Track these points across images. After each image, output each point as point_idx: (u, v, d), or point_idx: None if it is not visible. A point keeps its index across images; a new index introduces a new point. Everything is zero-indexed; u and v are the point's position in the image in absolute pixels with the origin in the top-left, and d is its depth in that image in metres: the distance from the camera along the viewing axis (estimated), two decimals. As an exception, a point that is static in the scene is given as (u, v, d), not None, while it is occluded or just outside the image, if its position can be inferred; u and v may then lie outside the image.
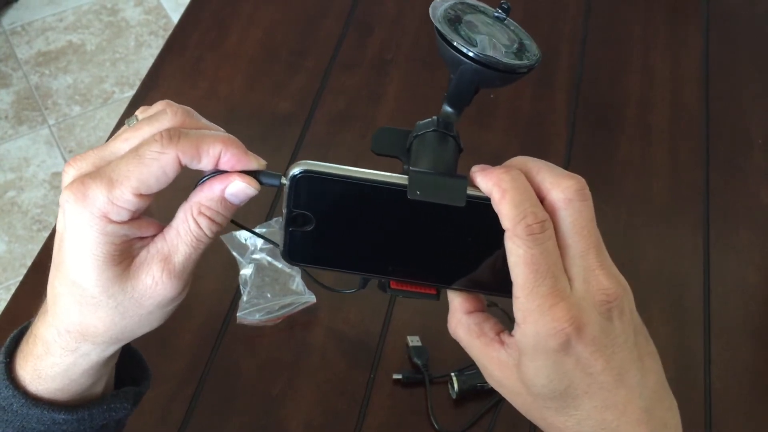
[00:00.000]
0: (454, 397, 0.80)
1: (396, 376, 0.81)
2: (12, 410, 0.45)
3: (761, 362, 0.87)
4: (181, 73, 1.07)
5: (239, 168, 0.40)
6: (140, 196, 0.39)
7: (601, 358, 0.39)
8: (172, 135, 0.39)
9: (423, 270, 0.43)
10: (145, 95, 1.03)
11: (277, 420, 0.79)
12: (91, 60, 2.17)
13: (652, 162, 1.03)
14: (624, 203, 0.99)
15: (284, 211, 0.41)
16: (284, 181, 0.40)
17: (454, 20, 0.43)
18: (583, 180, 0.40)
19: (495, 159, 1.11)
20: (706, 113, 1.09)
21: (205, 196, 0.41)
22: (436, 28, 0.42)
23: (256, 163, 0.41)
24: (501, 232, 0.39)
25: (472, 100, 0.44)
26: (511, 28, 0.44)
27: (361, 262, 0.43)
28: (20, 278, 0.87)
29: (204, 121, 0.43)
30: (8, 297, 0.85)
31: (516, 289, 0.39)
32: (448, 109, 0.45)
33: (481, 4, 0.45)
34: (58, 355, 0.44)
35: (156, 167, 0.38)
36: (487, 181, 0.40)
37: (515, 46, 0.43)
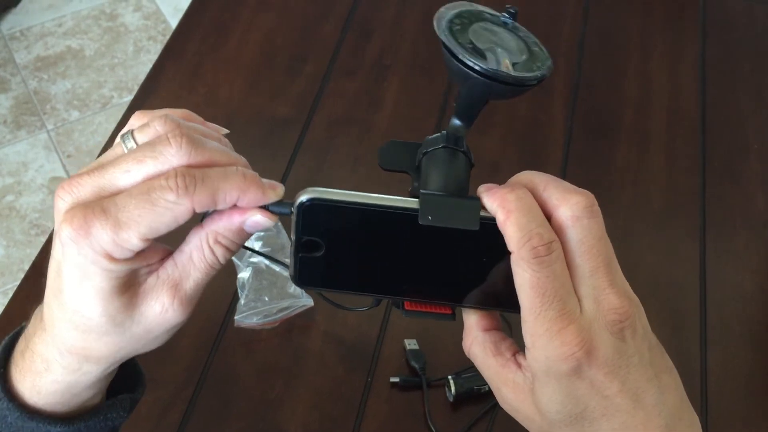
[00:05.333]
0: (451, 400, 0.80)
1: (393, 380, 0.81)
2: (6, 422, 0.45)
3: (758, 367, 0.87)
4: (180, 77, 1.08)
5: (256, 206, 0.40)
6: (146, 240, 0.37)
7: (616, 380, 0.38)
8: (188, 185, 0.37)
9: (437, 290, 0.42)
10: (143, 100, 1.03)
11: (275, 424, 0.79)
12: (90, 65, 2.17)
13: (649, 168, 1.04)
14: (621, 209, 0.99)
15: (293, 237, 0.40)
16: (292, 208, 0.40)
17: (460, 31, 0.41)
18: (592, 196, 0.39)
19: (492, 165, 1.12)
20: (703, 119, 1.09)
21: (224, 226, 0.40)
22: (442, 41, 0.40)
23: (274, 196, 0.39)
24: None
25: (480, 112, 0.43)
26: (520, 34, 0.42)
27: (373, 284, 0.42)
28: (18, 282, 0.88)
29: (203, 128, 0.41)
30: (6, 301, 0.85)
31: (524, 313, 0.38)
32: (456, 122, 0.43)
33: (486, 9, 0.43)
34: (60, 374, 0.43)
35: (169, 217, 0.37)
36: (492, 202, 0.38)
37: (524, 56, 0.41)
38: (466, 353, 0.43)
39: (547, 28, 1.19)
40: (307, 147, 1.01)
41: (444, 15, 0.41)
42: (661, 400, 0.39)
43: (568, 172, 1.02)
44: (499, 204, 0.38)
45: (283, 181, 0.96)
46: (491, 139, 1.04)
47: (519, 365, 0.41)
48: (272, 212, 0.40)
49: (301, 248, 0.40)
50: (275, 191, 0.40)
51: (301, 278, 0.42)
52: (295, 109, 1.05)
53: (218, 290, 0.87)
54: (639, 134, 1.07)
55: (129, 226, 0.36)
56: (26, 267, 1.74)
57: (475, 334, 0.43)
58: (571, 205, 0.38)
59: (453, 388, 0.80)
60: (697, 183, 1.02)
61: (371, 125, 1.04)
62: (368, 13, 1.18)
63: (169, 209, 0.37)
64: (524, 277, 0.37)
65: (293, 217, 0.40)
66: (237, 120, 1.02)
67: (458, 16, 0.42)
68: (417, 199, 0.39)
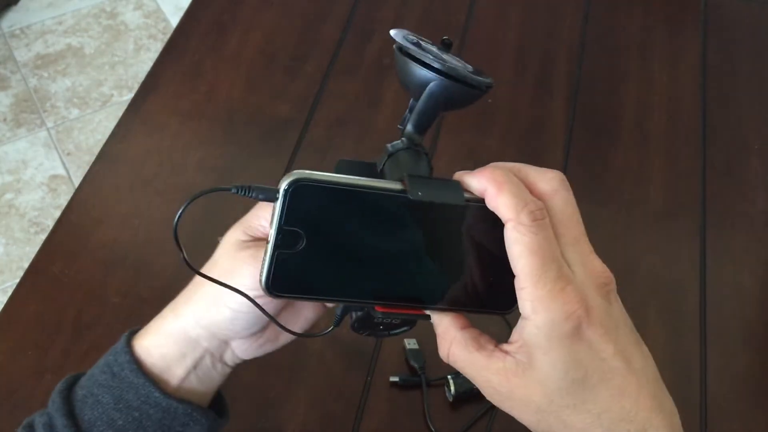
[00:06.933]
0: (450, 399, 0.80)
1: (393, 379, 0.81)
2: (120, 377, 0.51)
3: (757, 367, 0.87)
4: (180, 76, 1.08)
5: None
6: None
7: (611, 341, 0.39)
8: None
9: (414, 291, 0.42)
10: (144, 98, 1.03)
11: (274, 423, 0.79)
12: (90, 63, 2.17)
13: (650, 168, 1.04)
14: (621, 209, 0.99)
15: (273, 230, 0.38)
16: (277, 194, 0.38)
17: (416, 44, 0.43)
18: (562, 173, 0.42)
19: (493, 164, 1.10)
20: (704, 120, 1.09)
21: None
22: (403, 48, 0.43)
23: None
24: (496, 241, 0.39)
25: (436, 119, 0.45)
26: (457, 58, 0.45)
27: (351, 285, 0.41)
28: (17, 281, 0.88)
29: None
30: (5, 299, 0.85)
31: (522, 280, 0.38)
32: (411, 129, 0.45)
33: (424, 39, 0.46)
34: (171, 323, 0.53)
35: None
36: (480, 179, 0.40)
37: (470, 68, 0.44)
38: (445, 358, 0.43)
39: (548, 27, 1.19)
40: (306, 147, 1.01)
41: (399, 32, 0.44)
42: (645, 365, 0.40)
43: (569, 172, 1.01)
44: (489, 179, 0.39)
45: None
46: (491, 138, 1.04)
47: (506, 352, 0.41)
48: (256, 198, 0.39)
49: (280, 242, 0.38)
50: None
51: (274, 283, 0.39)
52: (295, 108, 1.05)
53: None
54: (639, 134, 1.07)
55: None
56: (25, 265, 1.73)
57: (454, 334, 0.43)
58: (548, 180, 0.41)
59: (452, 388, 0.80)
60: (698, 183, 1.02)
61: (371, 125, 1.04)
62: (368, 13, 1.18)
63: None
64: (524, 242, 0.38)
65: (277, 204, 0.38)
66: (237, 119, 1.02)
67: (406, 38, 0.44)
68: (400, 182, 0.40)
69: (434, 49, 0.44)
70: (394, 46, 0.45)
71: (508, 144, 1.04)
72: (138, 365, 0.51)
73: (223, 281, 0.46)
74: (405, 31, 0.45)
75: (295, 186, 0.38)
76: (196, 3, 1.18)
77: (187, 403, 0.52)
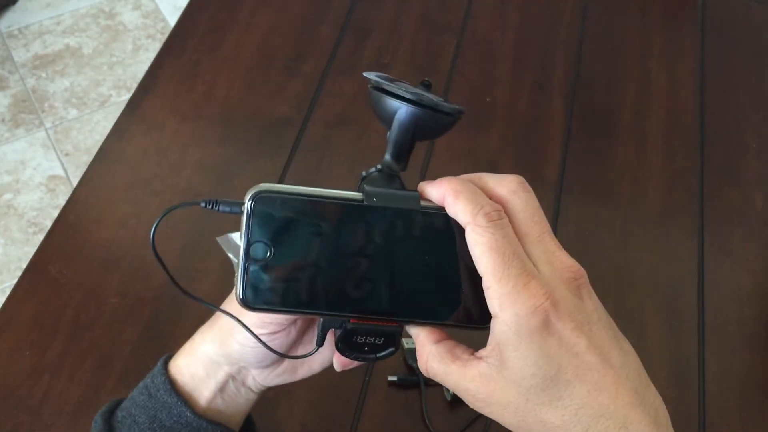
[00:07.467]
0: (448, 399, 0.80)
1: (391, 378, 0.81)
2: (156, 397, 0.53)
3: (755, 367, 0.88)
4: (178, 76, 1.07)
5: None
6: None
7: (583, 335, 0.39)
8: None
9: (387, 304, 0.42)
10: (142, 98, 1.03)
11: (272, 423, 0.79)
12: (88, 63, 2.17)
13: (648, 167, 1.04)
14: (619, 209, 0.99)
15: (242, 244, 0.40)
16: (242, 207, 0.40)
17: (389, 80, 0.45)
18: (521, 177, 0.42)
19: (490, 163, 1.11)
20: (701, 119, 1.09)
21: None
22: (375, 82, 0.44)
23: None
24: (464, 253, 0.40)
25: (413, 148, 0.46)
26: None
27: (323, 298, 0.42)
28: (15, 281, 0.88)
29: None
30: (3, 299, 0.85)
31: (486, 279, 0.39)
32: (388, 158, 0.46)
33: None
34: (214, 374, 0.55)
35: None
36: (438, 188, 0.41)
37: (441, 99, 0.46)
38: (425, 372, 0.44)
39: (546, 26, 1.19)
40: (304, 146, 1.01)
41: (371, 74, 0.46)
42: (625, 363, 0.40)
43: (567, 171, 1.02)
44: (446, 188, 0.41)
45: (280, 181, 0.96)
46: (490, 138, 1.04)
47: (480, 358, 0.41)
48: (223, 212, 0.41)
49: (250, 254, 0.40)
50: None
51: (251, 296, 0.41)
52: (293, 108, 1.05)
53: (216, 288, 0.87)
54: (637, 133, 1.07)
55: None
56: (24, 265, 1.73)
57: (429, 349, 0.43)
58: (506, 184, 0.42)
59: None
60: (696, 182, 1.02)
61: (369, 125, 1.04)
62: (366, 12, 1.18)
63: None
64: (482, 242, 0.39)
65: (243, 217, 0.40)
66: (235, 119, 1.02)
67: (379, 76, 0.46)
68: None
69: (407, 84, 0.46)
70: (368, 86, 0.46)
71: (506, 143, 1.04)
72: (172, 385, 0.54)
73: (236, 313, 0.48)
74: (378, 72, 0.47)
75: (258, 198, 0.39)
76: (194, 3, 1.17)
77: (216, 425, 0.54)
